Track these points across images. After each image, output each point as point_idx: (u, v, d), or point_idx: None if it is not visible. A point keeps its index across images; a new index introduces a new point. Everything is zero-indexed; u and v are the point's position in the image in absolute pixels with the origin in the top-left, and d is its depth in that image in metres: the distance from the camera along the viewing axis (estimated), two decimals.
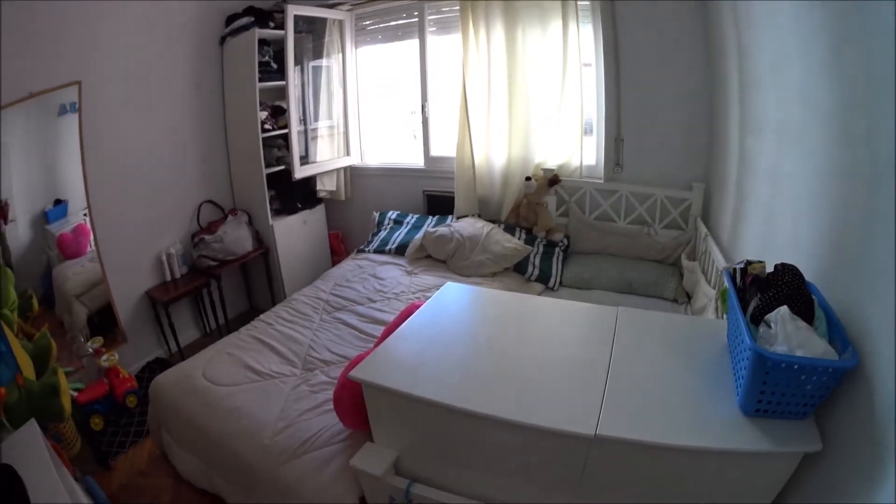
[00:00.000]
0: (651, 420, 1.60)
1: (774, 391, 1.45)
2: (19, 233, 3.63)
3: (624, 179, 3.95)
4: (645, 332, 2.11)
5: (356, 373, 2.01)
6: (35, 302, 3.22)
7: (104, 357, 3.82)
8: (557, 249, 4.02)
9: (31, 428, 2.13)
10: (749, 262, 1.74)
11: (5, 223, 3.47)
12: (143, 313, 4.43)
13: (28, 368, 2.59)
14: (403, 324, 2.36)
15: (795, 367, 1.39)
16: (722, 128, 3.24)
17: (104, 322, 4.13)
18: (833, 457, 1.44)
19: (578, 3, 3.76)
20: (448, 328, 2.38)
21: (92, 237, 3.99)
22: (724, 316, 2.01)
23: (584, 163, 4.12)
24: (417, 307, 2.54)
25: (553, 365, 2.00)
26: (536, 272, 3.85)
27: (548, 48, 3.91)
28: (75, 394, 3.50)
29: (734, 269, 1.80)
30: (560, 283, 3.80)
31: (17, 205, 3.57)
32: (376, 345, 2.49)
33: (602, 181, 4.01)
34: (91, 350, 3.84)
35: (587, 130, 4.06)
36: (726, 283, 1.81)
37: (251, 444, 2.54)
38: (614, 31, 3.71)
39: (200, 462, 2.89)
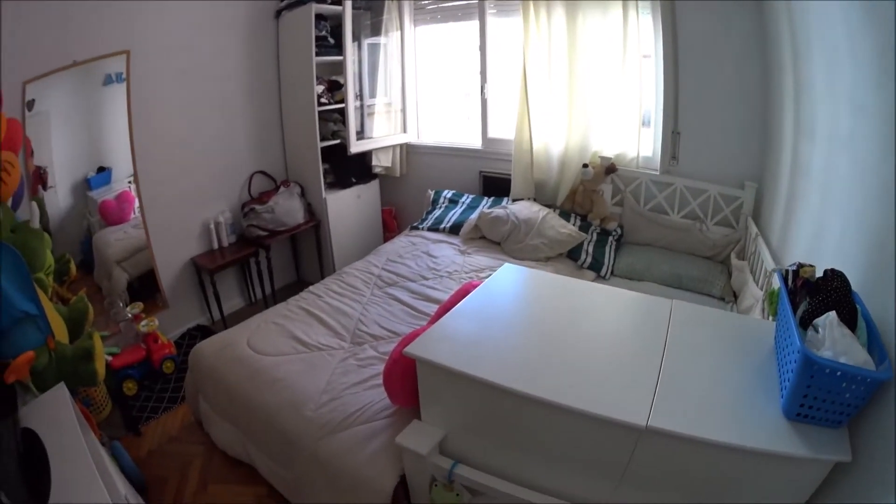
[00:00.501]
0: (699, 416, 1.58)
1: (816, 396, 1.44)
2: (59, 199, 3.65)
3: (679, 173, 3.91)
4: (698, 326, 2.08)
5: (411, 349, 1.99)
6: (73, 266, 3.19)
7: (143, 322, 3.82)
8: (611, 238, 3.99)
9: (60, 391, 2.12)
10: (801, 265, 1.73)
11: (44, 189, 3.49)
12: (186, 280, 4.46)
13: (61, 332, 2.55)
14: (460, 303, 2.34)
15: (839, 373, 1.37)
16: (776, 129, 3.18)
17: (144, 288, 4.16)
18: (861, 467, 1.43)
19: None
20: (504, 309, 2.37)
21: (137, 204, 4.02)
22: (771, 318, 2.02)
23: (641, 154, 4.08)
24: (474, 287, 2.52)
25: (607, 353, 2.00)
26: (589, 260, 3.82)
27: (608, 36, 3.87)
28: (110, 358, 3.51)
29: (786, 271, 1.78)
30: (612, 272, 3.77)
31: (56, 172, 3.59)
32: (430, 323, 2.47)
33: (658, 173, 3.96)
34: (130, 315, 3.85)
35: (645, 122, 4.00)
36: (778, 284, 1.79)
37: (293, 415, 2.52)
38: (673, 24, 3.64)
39: (237, 431, 2.89)
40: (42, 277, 2.58)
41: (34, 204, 2.65)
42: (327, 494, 2.36)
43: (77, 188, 3.79)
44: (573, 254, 3.88)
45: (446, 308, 2.46)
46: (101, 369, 2.45)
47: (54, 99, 3.49)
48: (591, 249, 3.87)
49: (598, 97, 4.02)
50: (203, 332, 4.44)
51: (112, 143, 3.92)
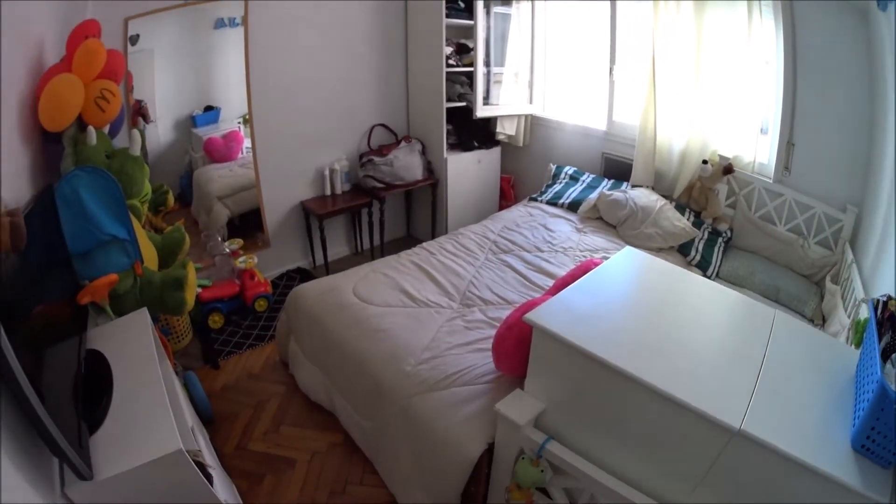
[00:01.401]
0: (786, 429, 1.55)
1: (881, 431, 1.42)
2: (159, 133, 3.73)
3: (790, 185, 3.79)
4: (796, 341, 2.04)
5: (532, 315, 1.96)
6: (171, 197, 3.23)
7: (241, 258, 3.89)
8: (720, 239, 3.91)
9: (141, 316, 2.12)
10: (890, 297, 1.72)
11: (146, 122, 3.54)
12: (292, 223, 4.52)
13: (151, 259, 2.57)
14: (581, 278, 2.30)
15: None
16: (879, 155, 3.08)
17: (244, 226, 4.23)
18: None
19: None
20: (622, 291, 2.35)
21: (246, 144, 4.09)
22: (854, 346, 2.04)
23: (758, 160, 3.98)
24: (595, 265, 2.49)
25: (711, 349, 1.99)
26: (698, 257, 3.74)
27: (732, 35, 3.78)
28: (199, 290, 3.54)
29: (877, 301, 1.76)
30: (717, 273, 3.70)
31: (158, 107, 3.66)
32: (547, 294, 2.48)
33: (770, 181, 3.86)
34: (228, 250, 3.91)
35: (763, 129, 3.92)
36: (867, 314, 1.79)
37: (391, 368, 2.51)
38: (793, 31, 3.51)
39: (325, 376, 2.92)
40: (136, 204, 2.60)
41: (135, 132, 2.69)
42: (407, 451, 2.37)
43: (180, 124, 3.87)
44: (684, 249, 3.82)
45: (565, 282, 2.43)
46: (190, 299, 2.45)
47: (160, 37, 3.54)
48: (700, 247, 3.81)
49: (721, 96, 3.94)
50: (302, 275, 4.50)
51: (220, 83, 3.99)
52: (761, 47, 3.65)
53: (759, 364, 1.79)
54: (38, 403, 1.15)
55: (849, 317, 2.69)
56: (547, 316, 1.96)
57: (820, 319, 3.21)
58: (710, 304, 2.31)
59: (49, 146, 2.39)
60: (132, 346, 1.92)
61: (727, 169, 3.83)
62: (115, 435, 1.54)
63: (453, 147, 4.91)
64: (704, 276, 3.57)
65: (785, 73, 3.54)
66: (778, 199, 3.78)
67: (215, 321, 3.77)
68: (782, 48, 3.50)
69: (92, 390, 1.64)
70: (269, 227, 4.34)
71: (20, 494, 1.17)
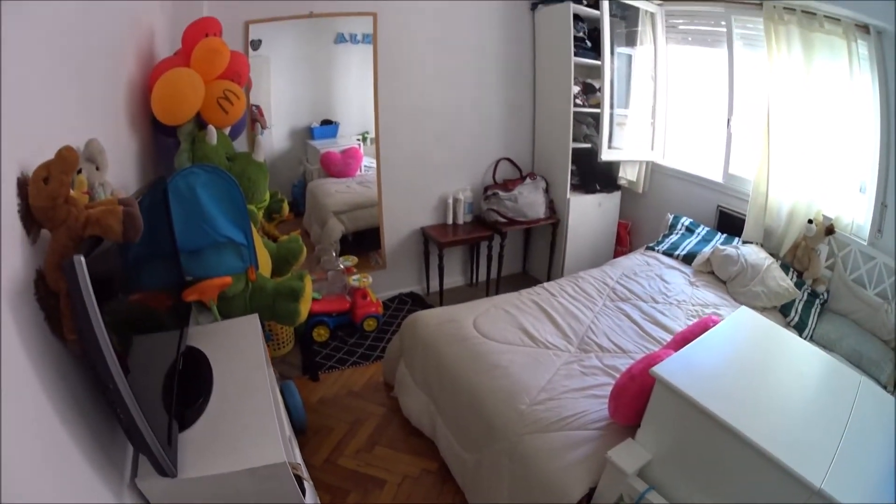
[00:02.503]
0: (860, 495, 1.59)
1: None
2: (273, 140, 3.83)
3: (881, 248, 3.65)
4: (878, 407, 2.09)
5: (658, 370, 2.01)
6: (286, 206, 3.24)
7: (356, 276, 3.92)
8: (817, 301, 3.83)
9: (251, 320, 2.15)
10: None
11: (263, 128, 3.64)
12: (410, 247, 4.56)
13: (265, 266, 2.57)
14: (703, 336, 2.33)
15: None
16: None
17: (357, 243, 4.27)
18: None
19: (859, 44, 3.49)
20: (735, 349, 2.38)
21: (366, 162, 4.18)
22: None
23: (856, 221, 3.86)
24: (714, 322, 2.55)
25: (804, 410, 2.06)
26: (797, 319, 3.65)
27: (835, 87, 3.66)
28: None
29: None
30: (811, 336, 3.61)
31: (273, 114, 3.76)
32: (666, 348, 2.55)
33: (865, 243, 3.74)
34: (342, 266, 3.94)
35: (862, 187, 3.80)
36: None
37: (506, 405, 2.52)
38: (886, 83, 3.38)
39: (431, 403, 2.96)
40: (253, 210, 2.61)
41: (259, 138, 2.71)
42: (507, 487, 2.37)
43: (295, 134, 3.97)
44: (784, 309, 3.73)
45: (685, 337, 2.49)
46: (304, 311, 2.46)
47: (278, 44, 3.65)
48: (800, 308, 3.73)
49: (825, 152, 3.83)
50: (414, 300, 4.53)
51: (339, 99, 4.08)
52: (861, 99, 3.52)
53: (843, 427, 1.84)
54: (128, 392, 1.10)
55: None
56: (670, 371, 2.01)
57: (892, 387, 3.17)
58: (808, 366, 2.36)
59: (159, 137, 2.44)
60: (238, 350, 1.92)
61: (829, 229, 3.75)
62: (209, 436, 1.51)
63: (576, 188, 4.84)
64: (800, 336, 3.49)
65: (881, 130, 3.42)
66: (870, 262, 3.65)
67: (320, 334, 3.81)
68: (878, 101, 3.38)
69: (188, 387, 1.62)
70: (387, 249, 4.38)
71: (82, 482, 1.12)
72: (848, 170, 3.72)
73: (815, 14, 3.53)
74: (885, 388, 3.10)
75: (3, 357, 0.90)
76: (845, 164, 3.71)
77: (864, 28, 3.37)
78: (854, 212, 3.77)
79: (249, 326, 2.09)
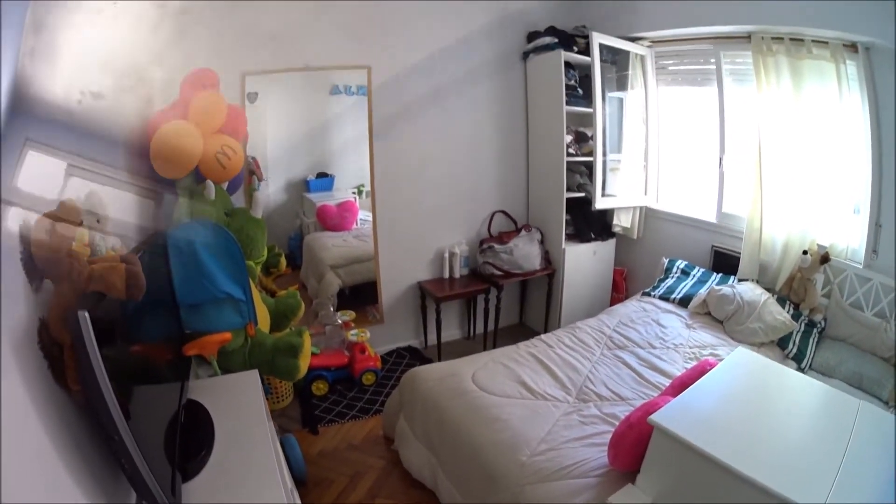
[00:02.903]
0: None
1: None
2: (269, 192, 3.83)
3: (877, 268, 3.70)
4: (877, 427, 2.14)
5: (658, 418, 2.04)
6: (283, 260, 3.26)
7: (353, 331, 3.93)
8: (815, 330, 3.85)
9: (251, 376, 2.17)
10: None
11: (259, 180, 3.64)
12: (407, 301, 4.57)
13: (263, 321, 2.58)
14: (699, 381, 2.39)
15: None
16: None
17: (354, 297, 4.27)
18: None
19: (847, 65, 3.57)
20: (732, 391, 2.43)
21: (362, 216, 4.20)
22: None
23: (850, 245, 3.92)
24: (711, 365, 2.59)
25: (803, 442, 2.09)
26: (794, 350, 3.67)
27: (825, 112, 3.73)
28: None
29: None
30: (810, 365, 3.65)
31: (270, 166, 3.77)
32: (664, 394, 2.61)
33: (860, 266, 3.79)
34: (340, 321, 3.94)
35: (856, 209, 3.85)
36: None
37: (507, 457, 2.54)
38: (876, 103, 3.45)
39: (432, 456, 2.97)
40: (252, 265, 2.62)
41: (256, 193, 2.72)
42: None
43: (291, 186, 3.99)
44: (782, 342, 3.75)
45: (682, 382, 2.54)
46: (304, 367, 2.46)
47: (274, 96, 3.68)
48: (797, 340, 3.75)
49: (817, 179, 3.89)
50: (412, 353, 4.53)
51: (335, 151, 4.13)
52: (851, 120, 3.58)
53: (843, 451, 1.88)
54: (133, 444, 1.11)
55: None
56: (668, 418, 2.05)
57: (893, 402, 3.18)
58: (805, 397, 2.44)
59: (156, 186, 2.40)
60: (239, 404, 1.94)
61: (824, 258, 3.79)
62: (212, 487, 1.52)
63: (570, 237, 4.86)
64: (799, 367, 3.56)
65: (872, 148, 3.48)
66: (867, 284, 3.70)
67: (319, 388, 3.81)
68: (867, 120, 3.45)
69: (190, 440, 1.62)
70: (384, 303, 4.38)
71: None
72: (841, 193, 3.78)
73: (802, 40, 3.62)
74: (886, 404, 3.15)
75: (6, 403, 0.91)
76: (838, 187, 3.77)
77: (853, 47, 3.44)
78: (848, 237, 3.83)
79: (249, 381, 2.10)
